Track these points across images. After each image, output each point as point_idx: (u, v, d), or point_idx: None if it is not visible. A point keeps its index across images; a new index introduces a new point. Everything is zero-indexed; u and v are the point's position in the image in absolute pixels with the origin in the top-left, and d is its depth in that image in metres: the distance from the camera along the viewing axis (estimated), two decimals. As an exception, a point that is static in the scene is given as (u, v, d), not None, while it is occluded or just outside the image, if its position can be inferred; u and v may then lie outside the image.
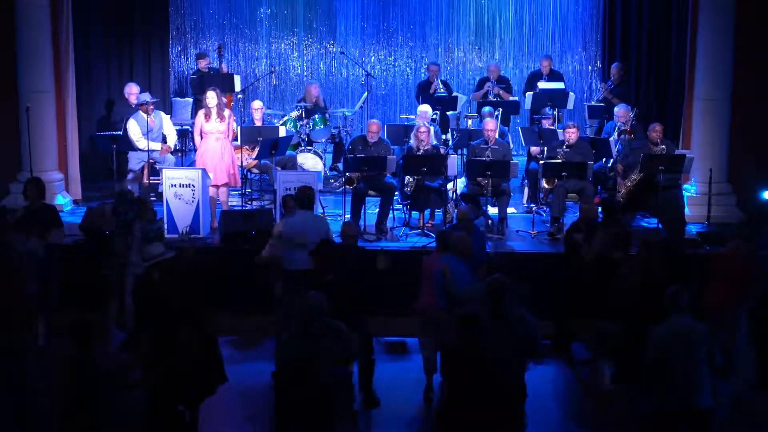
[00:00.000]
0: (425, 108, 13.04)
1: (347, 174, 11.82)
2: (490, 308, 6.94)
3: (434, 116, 13.18)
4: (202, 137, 11.91)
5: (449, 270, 8.35)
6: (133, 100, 12.96)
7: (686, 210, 11.75)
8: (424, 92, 14.11)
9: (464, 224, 9.55)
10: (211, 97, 11.76)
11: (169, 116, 13.05)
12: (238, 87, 14.19)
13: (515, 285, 7.83)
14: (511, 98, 14.32)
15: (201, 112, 11.92)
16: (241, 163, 12.18)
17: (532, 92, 13.87)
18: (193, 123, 12.57)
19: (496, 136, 12.10)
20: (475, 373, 6.72)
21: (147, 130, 12.15)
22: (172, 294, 7.93)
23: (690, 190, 12.25)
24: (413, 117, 13.15)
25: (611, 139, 12.44)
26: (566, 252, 10.05)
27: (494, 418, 6.79)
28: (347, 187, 11.69)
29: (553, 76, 14.37)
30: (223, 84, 13.48)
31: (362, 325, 8.71)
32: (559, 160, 11.68)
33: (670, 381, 7.01)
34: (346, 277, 8.57)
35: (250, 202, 12.76)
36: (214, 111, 11.75)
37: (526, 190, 13.03)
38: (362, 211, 11.68)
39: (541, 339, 7.39)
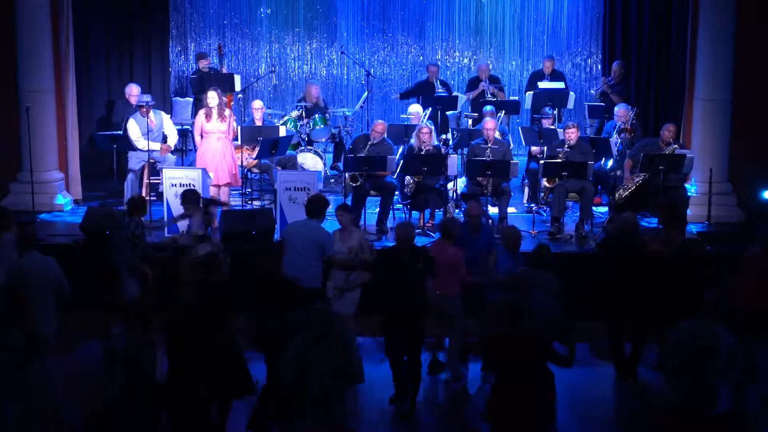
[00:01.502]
0: (416, 108, 13.10)
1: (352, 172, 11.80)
2: (518, 296, 7.71)
3: (425, 113, 13.17)
4: (202, 137, 11.91)
5: (495, 258, 8.97)
6: (133, 100, 12.96)
7: (687, 210, 11.74)
8: (423, 92, 14.10)
9: (473, 222, 9.60)
10: (212, 97, 11.77)
11: (169, 116, 13.06)
12: (238, 87, 14.19)
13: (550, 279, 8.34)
14: (511, 98, 14.32)
15: (201, 112, 11.92)
16: (242, 162, 12.19)
17: (532, 92, 13.88)
18: (194, 123, 12.57)
19: (496, 135, 12.10)
20: (514, 353, 6.98)
21: (147, 130, 12.15)
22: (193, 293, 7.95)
23: (690, 190, 12.27)
24: (411, 117, 13.16)
25: (611, 139, 12.44)
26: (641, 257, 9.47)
27: (533, 404, 6.92)
28: (352, 183, 11.67)
29: (555, 76, 14.37)
30: (224, 84, 13.48)
31: (416, 331, 8.71)
32: (560, 160, 11.68)
33: (687, 382, 6.98)
34: (403, 280, 8.59)
35: (250, 202, 12.76)
36: (215, 111, 11.76)
37: (526, 189, 13.03)
38: (363, 211, 11.69)
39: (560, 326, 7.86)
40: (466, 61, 15.91)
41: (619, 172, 12.15)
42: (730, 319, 7.20)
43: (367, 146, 11.81)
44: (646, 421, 8.45)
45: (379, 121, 12.31)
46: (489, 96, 14.05)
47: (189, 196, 10.28)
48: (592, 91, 14.41)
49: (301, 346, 7.08)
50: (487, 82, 14.24)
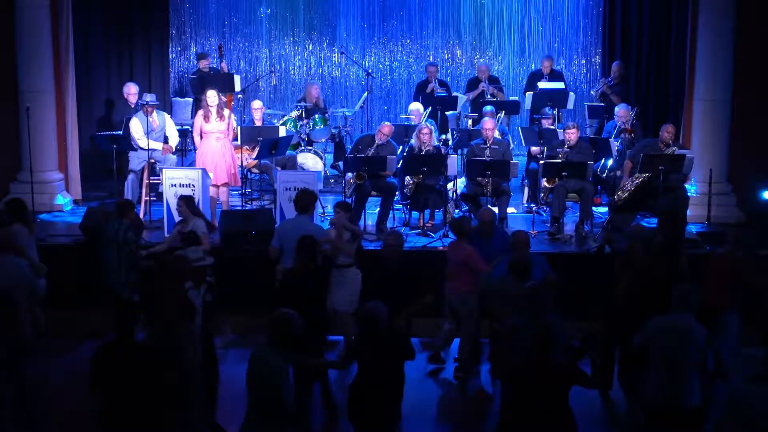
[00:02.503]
0: (416, 106, 13.11)
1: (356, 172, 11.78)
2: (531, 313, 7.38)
3: (425, 112, 13.17)
4: (201, 137, 11.90)
5: (497, 262, 8.87)
6: (132, 99, 12.97)
7: (687, 211, 11.74)
8: (422, 93, 14.13)
9: (485, 228, 9.54)
10: (212, 97, 11.75)
11: (169, 116, 13.05)
12: (238, 87, 14.19)
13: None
14: (511, 98, 14.32)
15: (200, 113, 11.91)
16: (241, 162, 12.18)
17: (532, 92, 13.89)
18: (193, 123, 12.57)
19: (495, 135, 12.10)
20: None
21: (148, 130, 12.15)
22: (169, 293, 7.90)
23: (690, 190, 12.27)
24: (412, 116, 13.17)
25: (611, 139, 12.45)
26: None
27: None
28: (358, 181, 11.66)
29: (554, 76, 14.38)
30: (224, 84, 13.48)
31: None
32: (560, 160, 11.68)
33: (658, 378, 6.99)
34: (389, 285, 8.49)
35: (250, 202, 12.76)
36: (214, 111, 11.75)
37: (526, 190, 13.03)
38: (363, 212, 11.69)
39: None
40: (465, 61, 15.92)
41: (619, 173, 12.15)
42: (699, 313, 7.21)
43: (373, 147, 11.79)
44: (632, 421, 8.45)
45: (386, 123, 12.24)
46: (488, 96, 14.05)
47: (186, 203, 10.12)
48: (592, 93, 14.40)
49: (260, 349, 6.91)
50: (487, 82, 14.24)
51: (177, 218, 11.20)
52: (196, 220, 9.92)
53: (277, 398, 6.46)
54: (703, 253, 10.82)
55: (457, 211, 12.10)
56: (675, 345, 6.95)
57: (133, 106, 12.83)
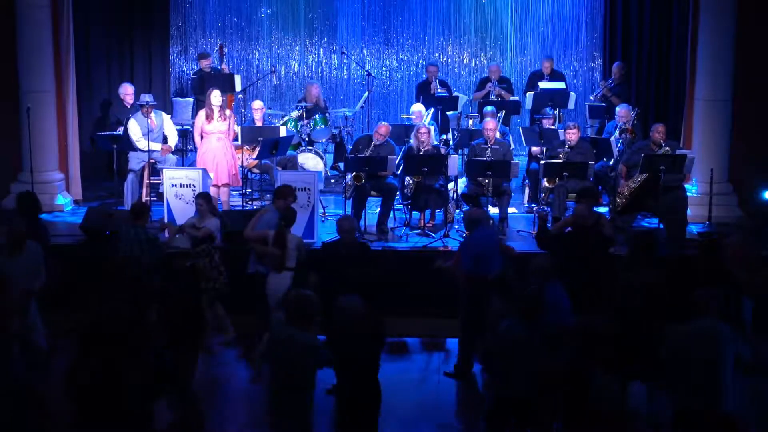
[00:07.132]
0: (418, 107, 13.10)
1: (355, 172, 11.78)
2: None
3: (426, 113, 13.17)
4: (202, 137, 11.90)
5: None
6: (128, 100, 12.97)
7: (687, 210, 11.73)
8: (423, 93, 14.13)
9: (469, 225, 9.53)
10: (216, 96, 11.76)
11: (169, 116, 13.05)
12: (238, 87, 14.19)
13: None
14: (512, 98, 14.33)
15: (201, 113, 11.91)
16: (242, 163, 12.19)
17: (532, 92, 13.88)
18: (194, 123, 12.57)
19: (497, 135, 12.10)
20: None
21: (147, 130, 12.15)
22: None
23: (691, 190, 12.26)
24: (413, 117, 13.17)
25: (612, 138, 12.45)
26: None
27: None
28: (356, 183, 11.66)
29: (555, 76, 14.38)
30: (224, 84, 13.48)
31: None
32: (560, 160, 11.69)
33: (691, 381, 6.95)
34: (348, 273, 8.55)
35: (250, 202, 12.76)
36: (216, 111, 11.75)
37: (526, 190, 13.03)
38: (363, 212, 11.68)
39: None
40: (465, 61, 15.92)
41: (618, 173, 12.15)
42: (735, 316, 7.18)
43: (370, 147, 11.79)
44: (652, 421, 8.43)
45: (383, 123, 12.25)
46: (493, 97, 14.04)
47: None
48: (591, 97, 14.36)
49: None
50: (496, 83, 14.24)
51: (176, 218, 11.26)
52: (213, 219, 9.95)
53: None
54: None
55: (457, 211, 12.10)
56: (702, 348, 6.85)
57: (129, 107, 12.82)
